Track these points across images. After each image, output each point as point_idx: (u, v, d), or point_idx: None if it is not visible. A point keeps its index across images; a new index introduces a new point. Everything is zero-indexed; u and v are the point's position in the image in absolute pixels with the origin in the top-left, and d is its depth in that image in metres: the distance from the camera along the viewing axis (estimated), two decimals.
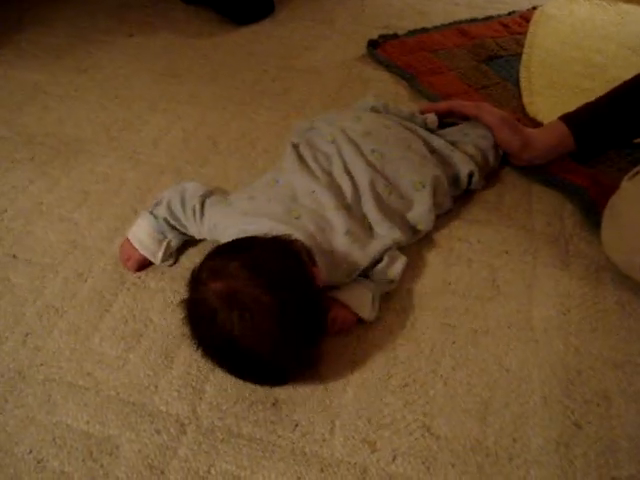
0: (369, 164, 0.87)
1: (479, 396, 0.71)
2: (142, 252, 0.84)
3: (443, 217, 0.94)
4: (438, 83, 1.23)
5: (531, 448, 0.66)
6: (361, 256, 0.78)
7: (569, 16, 1.48)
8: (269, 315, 0.63)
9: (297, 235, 0.74)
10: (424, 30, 1.43)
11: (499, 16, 1.50)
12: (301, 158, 0.89)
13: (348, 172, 0.86)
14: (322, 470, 0.64)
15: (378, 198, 0.85)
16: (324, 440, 0.67)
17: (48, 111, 1.19)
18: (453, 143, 0.97)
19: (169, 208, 0.84)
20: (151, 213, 0.86)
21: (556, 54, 1.33)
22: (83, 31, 1.48)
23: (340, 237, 0.79)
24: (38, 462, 0.65)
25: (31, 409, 0.69)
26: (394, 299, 0.82)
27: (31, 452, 0.66)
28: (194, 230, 0.85)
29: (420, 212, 0.87)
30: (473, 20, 1.48)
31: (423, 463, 0.65)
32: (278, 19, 1.54)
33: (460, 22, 1.46)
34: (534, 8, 1.52)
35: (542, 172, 0.99)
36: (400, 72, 1.28)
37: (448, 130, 1.02)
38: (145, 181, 1.01)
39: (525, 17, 1.48)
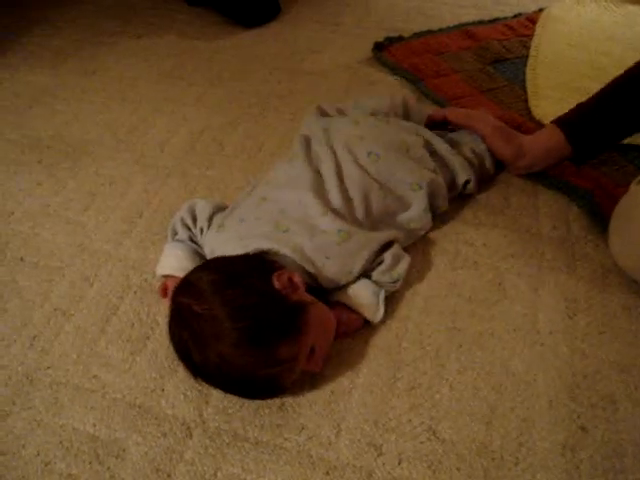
0: (363, 169, 0.87)
1: (485, 400, 0.71)
2: None
3: (449, 220, 0.94)
4: (444, 86, 1.23)
5: (537, 452, 0.66)
6: (360, 250, 0.78)
7: (575, 18, 1.48)
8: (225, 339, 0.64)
9: (281, 249, 0.75)
10: (430, 32, 1.43)
11: (505, 18, 1.50)
12: (291, 162, 0.89)
13: (340, 177, 0.86)
14: (328, 473, 0.64)
15: (368, 209, 0.84)
16: (330, 443, 0.67)
17: (55, 114, 1.19)
18: (455, 147, 0.97)
19: (188, 229, 0.84)
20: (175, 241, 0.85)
21: (562, 56, 1.33)
22: (89, 34, 1.49)
23: (333, 236, 0.78)
24: (45, 465, 0.65)
25: (38, 412, 0.70)
26: (400, 302, 0.82)
27: (38, 455, 0.66)
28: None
29: (415, 211, 0.87)
30: (479, 22, 1.47)
31: (429, 467, 0.65)
32: (284, 22, 1.54)
33: (466, 24, 1.46)
34: (540, 10, 1.52)
35: (547, 175, 0.99)
36: (406, 74, 1.28)
37: (447, 136, 1.01)
38: (151, 183, 1.01)
39: (531, 19, 1.48)
